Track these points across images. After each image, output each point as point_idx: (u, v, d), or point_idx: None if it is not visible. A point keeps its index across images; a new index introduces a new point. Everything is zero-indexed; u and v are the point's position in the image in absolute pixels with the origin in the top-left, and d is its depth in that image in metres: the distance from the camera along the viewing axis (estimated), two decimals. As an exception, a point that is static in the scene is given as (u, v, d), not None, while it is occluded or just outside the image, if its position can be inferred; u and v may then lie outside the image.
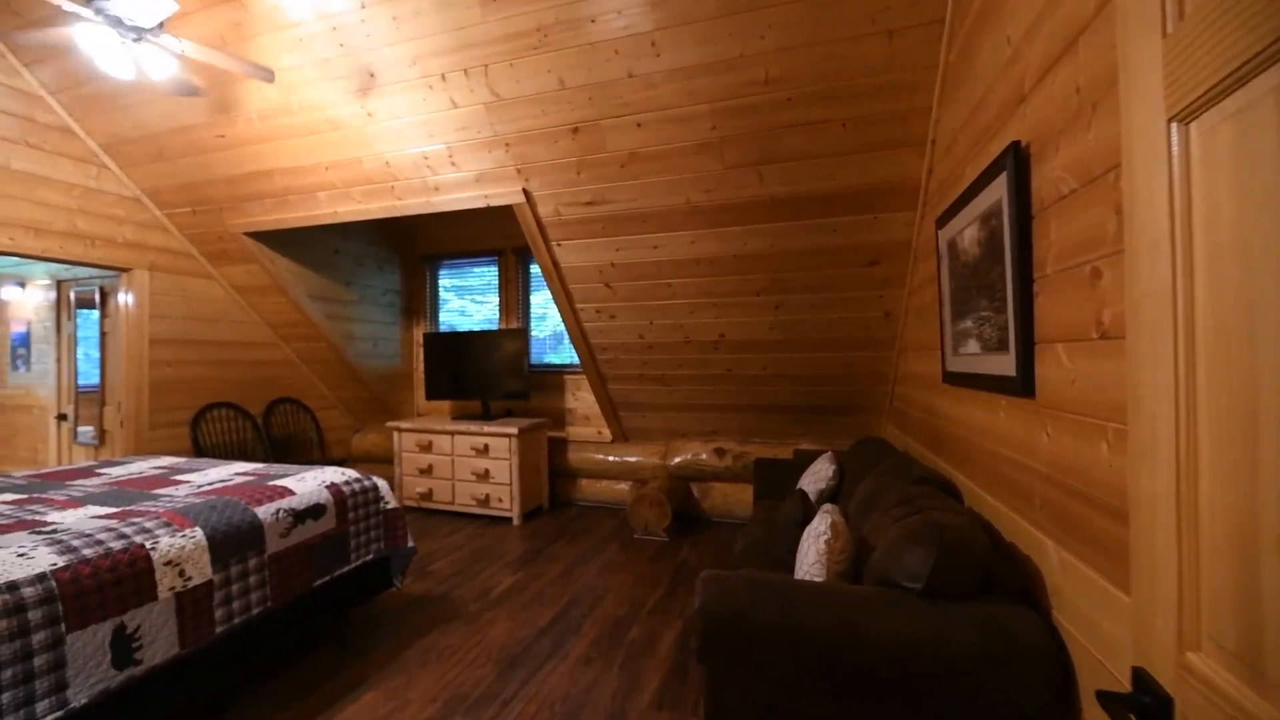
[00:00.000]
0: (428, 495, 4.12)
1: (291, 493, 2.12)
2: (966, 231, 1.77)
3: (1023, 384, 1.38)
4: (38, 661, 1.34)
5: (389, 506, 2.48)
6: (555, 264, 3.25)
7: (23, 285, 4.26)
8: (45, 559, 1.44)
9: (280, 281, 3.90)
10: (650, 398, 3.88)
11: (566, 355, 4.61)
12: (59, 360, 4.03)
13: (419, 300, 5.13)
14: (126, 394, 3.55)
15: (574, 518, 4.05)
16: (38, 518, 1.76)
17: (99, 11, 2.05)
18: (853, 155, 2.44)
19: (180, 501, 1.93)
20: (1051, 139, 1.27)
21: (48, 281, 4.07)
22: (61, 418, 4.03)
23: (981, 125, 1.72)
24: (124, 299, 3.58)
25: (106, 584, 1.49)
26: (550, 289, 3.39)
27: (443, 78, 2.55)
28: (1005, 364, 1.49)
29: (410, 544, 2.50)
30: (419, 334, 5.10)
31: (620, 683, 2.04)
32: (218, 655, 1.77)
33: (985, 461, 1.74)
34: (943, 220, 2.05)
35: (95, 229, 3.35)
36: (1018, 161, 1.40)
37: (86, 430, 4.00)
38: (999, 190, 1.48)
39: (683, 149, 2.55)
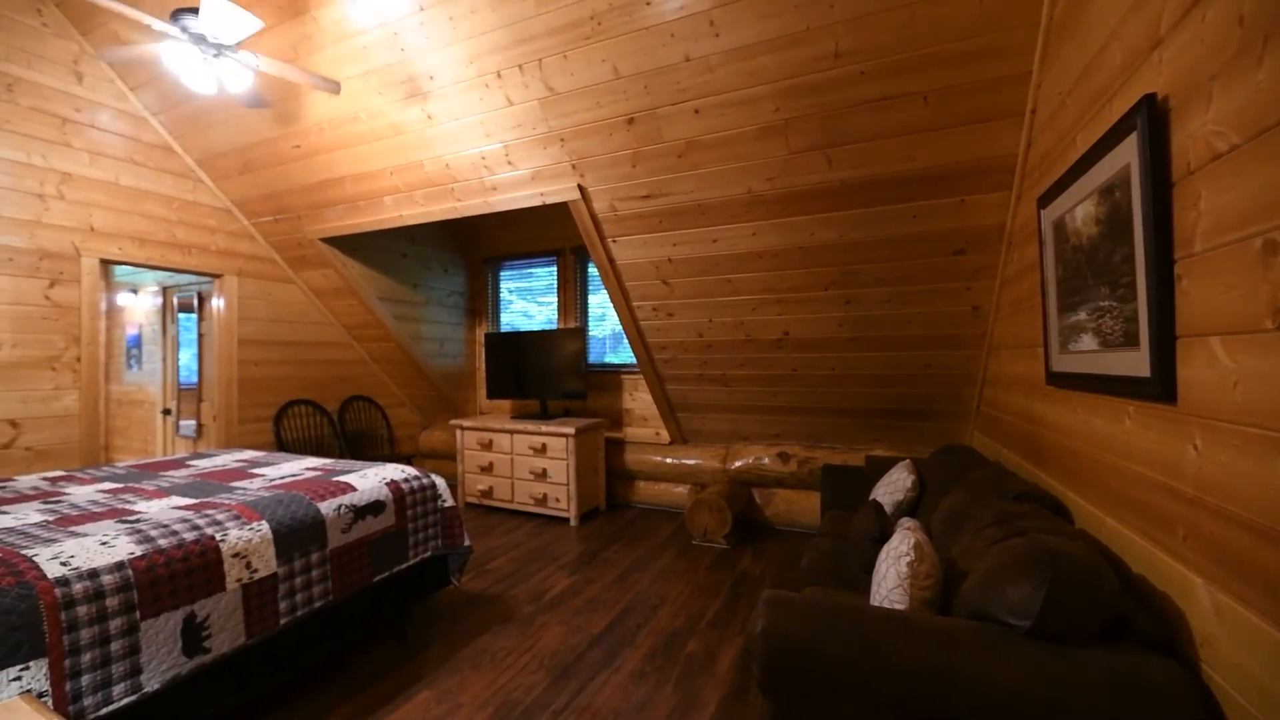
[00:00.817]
0: (488, 493, 4.18)
1: (353, 489, 2.16)
2: (1079, 209, 1.52)
3: (1160, 386, 1.14)
4: (114, 647, 1.40)
5: (446, 505, 2.49)
6: (611, 261, 3.18)
7: (135, 291, 4.72)
8: (124, 548, 1.50)
9: (353, 284, 4.08)
10: (710, 399, 3.74)
11: (625, 355, 4.54)
12: (164, 360, 4.41)
13: (481, 301, 5.24)
14: (218, 391, 3.82)
15: (631, 520, 3.97)
16: (127, 506, 1.88)
17: (184, 30, 2.17)
18: (936, 132, 2.19)
19: (252, 495, 2.00)
20: (1200, 87, 1.04)
21: (155, 288, 4.47)
22: (166, 412, 4.42)
23: (1099, 84, 1.47)
24: (216, 303, 3.85)
25: (179, 573, 1.55)
26: (606, 287, 3.32)
27: (498, 75, 2.53)
28: (1134, 362, 1.25)
29: (466, 543, 2.50)
30: (481, 334, 5.21)
31: (676, 701, 1.92)
32: (281, 646, 1.81)
33: (1104, 478, 1.48)
34: (1047, 199, 1.79)
35: (191, 238, 3.62)
36: (1152, 118, 1.16)
37: (188, 424, 4.36)
38: (1125, 156, 1.25)
39: (743, 135, 2.40)
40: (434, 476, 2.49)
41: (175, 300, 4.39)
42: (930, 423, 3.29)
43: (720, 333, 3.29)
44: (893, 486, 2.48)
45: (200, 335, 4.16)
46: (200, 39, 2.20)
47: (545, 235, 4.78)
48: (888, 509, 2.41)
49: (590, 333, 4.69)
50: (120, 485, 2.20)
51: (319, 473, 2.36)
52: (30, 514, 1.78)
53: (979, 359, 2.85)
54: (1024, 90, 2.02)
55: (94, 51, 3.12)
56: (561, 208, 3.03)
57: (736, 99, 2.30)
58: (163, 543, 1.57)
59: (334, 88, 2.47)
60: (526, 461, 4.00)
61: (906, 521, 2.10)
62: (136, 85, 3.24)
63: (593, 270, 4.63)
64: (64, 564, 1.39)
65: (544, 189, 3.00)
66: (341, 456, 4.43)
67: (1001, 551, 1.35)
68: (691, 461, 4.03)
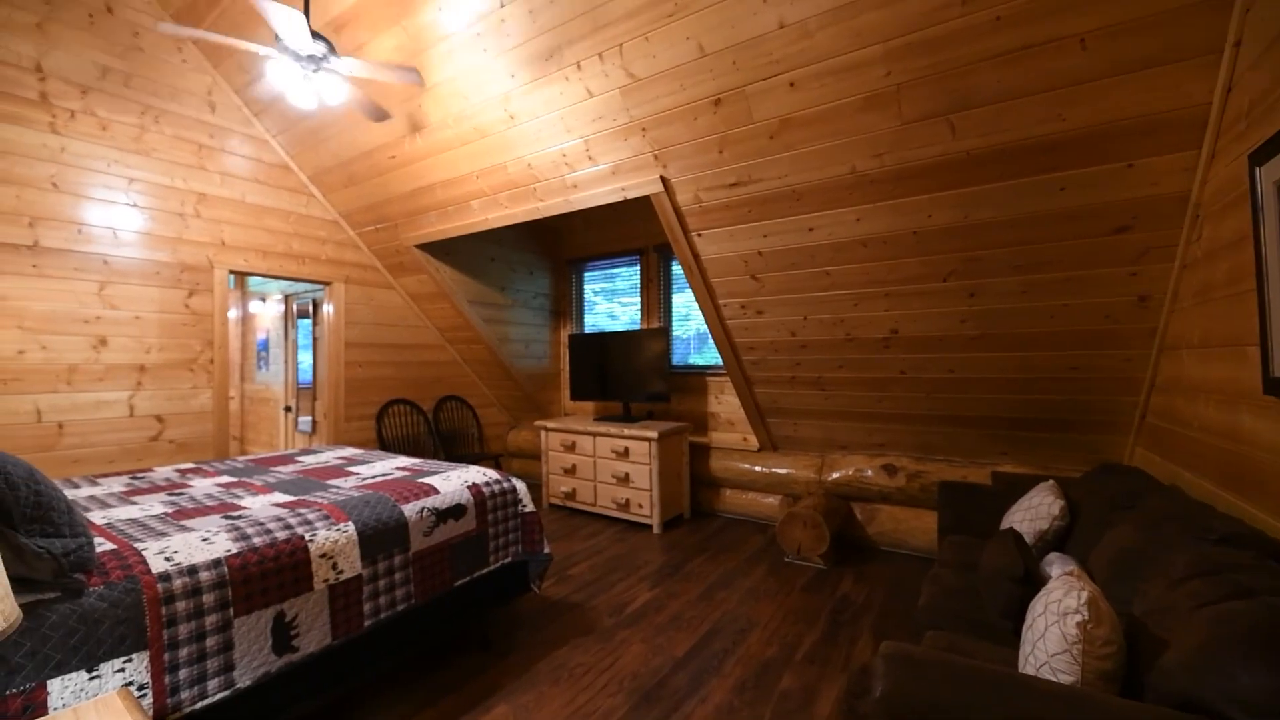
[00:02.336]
0: (571, 495, 4.14)
1: (436, 491, 2.15)
2: (1333, 157, 1.12)
3: None
4: (209, 642, 1.44)
5: (526, 510, 2.43)
6: (696, 256, 3.00)
7: (263, 300, 5.22)
8: (222, 545, 1.55)
9: (445, 289, 4.21)
10: (803, 403, 3.44)
11: (710, 356, 4.33)
12: (285, 361, 4.83)
13: (565, 303, 5.26)
14: (328, 390, 4.10)
15: (716, 531, 3.76)
16: (234, 502, 1.98)
17: (283, 50, 2.28)
18: (1094, 84, 1.79)
19: (343, 494, 2.04)
20: None
21: (279, 296, 4.92)
22: (287, 409, 4.84)
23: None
24: (327, 309, 4.14)
25: (269, 572, 1.58)
26: (691, 285, 3.14)
27: (578, 66, 2.44)
28: None
29: (546, 550, 2.43)
30: (565, 336, 5.22)
31: (769, 747, 1.70)
32: (366, 648, 1.81)
33: (1379, 525, 1.08)
34: (1266, 153, 1.37)
35: (305, 249, 3.91)
36: None
37: (305, 420, 4.74)
38: None
39: (847, 106, 2.12)
40: (514, 480, 2.44)
41: (294, 307, 4.79)
42: (1074, 435, 2.78)
43: (816, 331, 3.00)
44: (1034, 512, 2.09)
45: (315, 339, 4.50)
46: (297, 55, 2.30)
47: (627, 234, 4.69)
48: (1028, 539, 2.02)
49: (674, 333, 4.53)
50: (235, 480, 2.35)
51: (406, 473, 2.39)
52: (155, 506, 1.92)
53: (1145, 360, 2.35)
54: (1223, 19, 1.58)
55: (226, 83, 3.44)
56: (644, 204, 2.89)
57: (839, 66, 2.03)
58: (257, 541, 1.61)
59: (415, 77, 2.49)
60: (609, 465, 3.91)
61: (1064, 562, 1.73)
62: (259, 111, 3.53)
63: (676, 269, 4.46)
64: (168, 559, 1.44)
65: (625, 183, 2.88)
66: (435, 454, 4.62)
67: (1220, 618, 1.01)
68: (783, 470, 3.74)
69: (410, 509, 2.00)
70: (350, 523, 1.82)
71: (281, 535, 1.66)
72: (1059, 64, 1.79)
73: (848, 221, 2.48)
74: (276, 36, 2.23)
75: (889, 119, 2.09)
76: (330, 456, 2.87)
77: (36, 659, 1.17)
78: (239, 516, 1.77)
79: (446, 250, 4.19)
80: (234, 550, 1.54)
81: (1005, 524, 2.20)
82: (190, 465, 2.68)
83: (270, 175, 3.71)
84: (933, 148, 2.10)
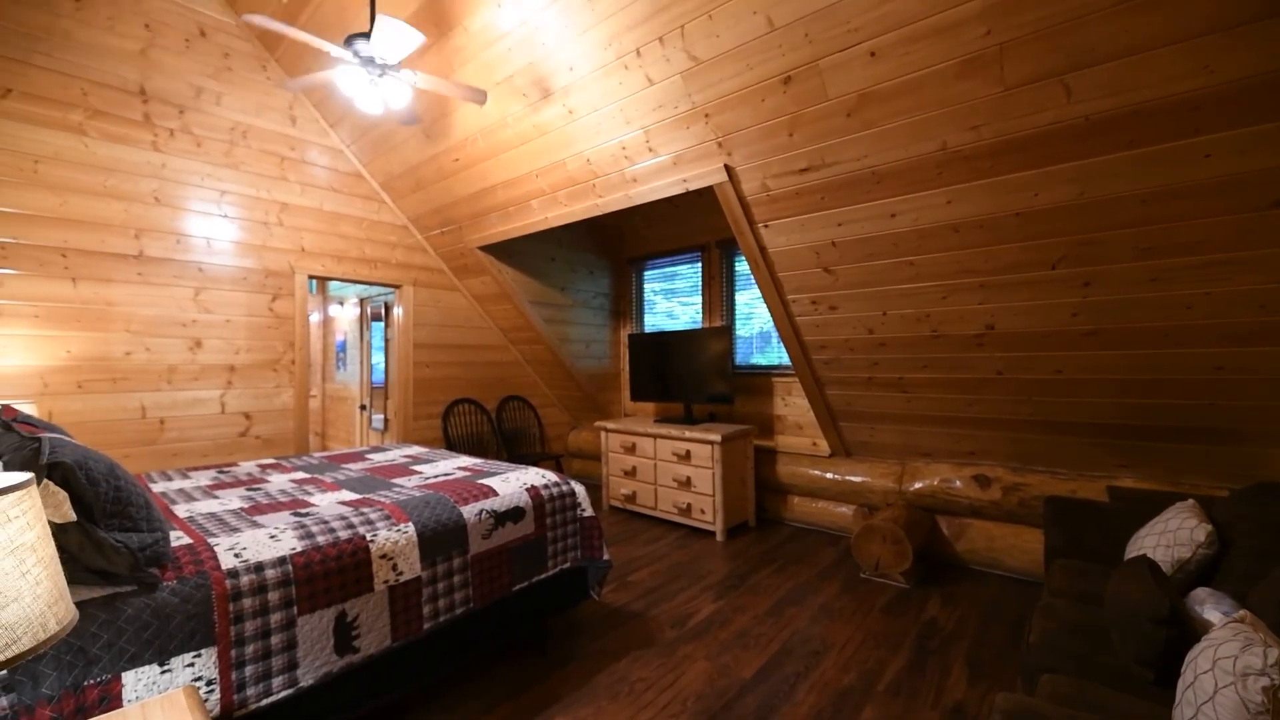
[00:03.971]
0: (631, 498, 4.06)
1: (495, 493, 2.11)
2: None
3: None
4: (274, 640, 1.44)
5: (585, 514, 2.36)
6: (762, 250, 2.83)
7: (341, 304, 5.51)
8: (288, 543, 1.56)
9: (507, 290, 4.25)
10: (881, 405, 3.17)
11: (775, 355, 4.12)
12: (360, 362, 5.06)
13: (625, 302, 5.19)
14: (398, 390, 4.24)
15: (784, 540, 3.55)
16: (304, 498, 2.02)
17: (356, 54, 2.33)
18: (1254, 25, 1.49)
19: (405, 494, 2.04)
20: None
21: (355, 300, 5.16)
22: (362, 408, 5.06)
23: None
24: (397, 311, 4.28)
25: (332, 571, 1.57)
26: (757, 280, 2.97)
27: (637, 53, 2.34)
28: None
29: (605, 557, 2.34)
30: (625, 335, 5.16)
31: (852, 792, 1.52)
32: (425, 651, 1.79)
33: None
34: None
35: (377, 254, 4.05)
36: None
37: (379, 418, 4.94)
38: None
39: (937, 74, 1.90)
40: (573, 484, 2.37)
41: (369, 310, 5.01)
42: (1215, 447, 2.37)
43: (897, 328, 2.74)
44: (1171, 537, 1.77)
45: (386, 340, 4.68)
46: (369, 61, 2.34)
47: (689, 230, 4.56)
48: (1164, 569, 1.72)
49: (736, 332, 4.34)
50: (308, 476, 2.42)
51: (467, 473, 2.38)
52: (233, 500, 2.00)
53: (1316, 358, 1.95)
54: None
55: (305, 97, 3.62)
56: (706, 198, 2.76)
57: (928, 29, 1.81)
58: (321, 540, 1.61)
59: (480, 97, 2.49)
60: (670, 468, 3.79)
61: (1218, 600, 1.44)
62: (334, 122, 3.69)
63: (740, 265, 4.28)
64: (236, 555, 1.47)
65: (687, 174, 2.75)
66: (498, 454, 4.68)
67: None
68: (857, 478, 3.48)
69: (469, 511, 1.97)
70: (410, 523, 1.81)
71: (344, 534, 1.66)
72: (1204, 4, 1.49)
73: (936, 204, 2.23)
74: (347, 39, 2.28)
75: (989, 85, 1.85)
76: (397, 455, 2.93)
77: (112, 651, 1.20)
78: (306, 514, 1.79)
79: (509, 252, 4.22)
80: (299, 548, 1.55)
81: (1133, 549, 1.89)
82: (271, 460, 2.81)
83: (344, 183, 3.87)
84: (1042, 114, 1.83)
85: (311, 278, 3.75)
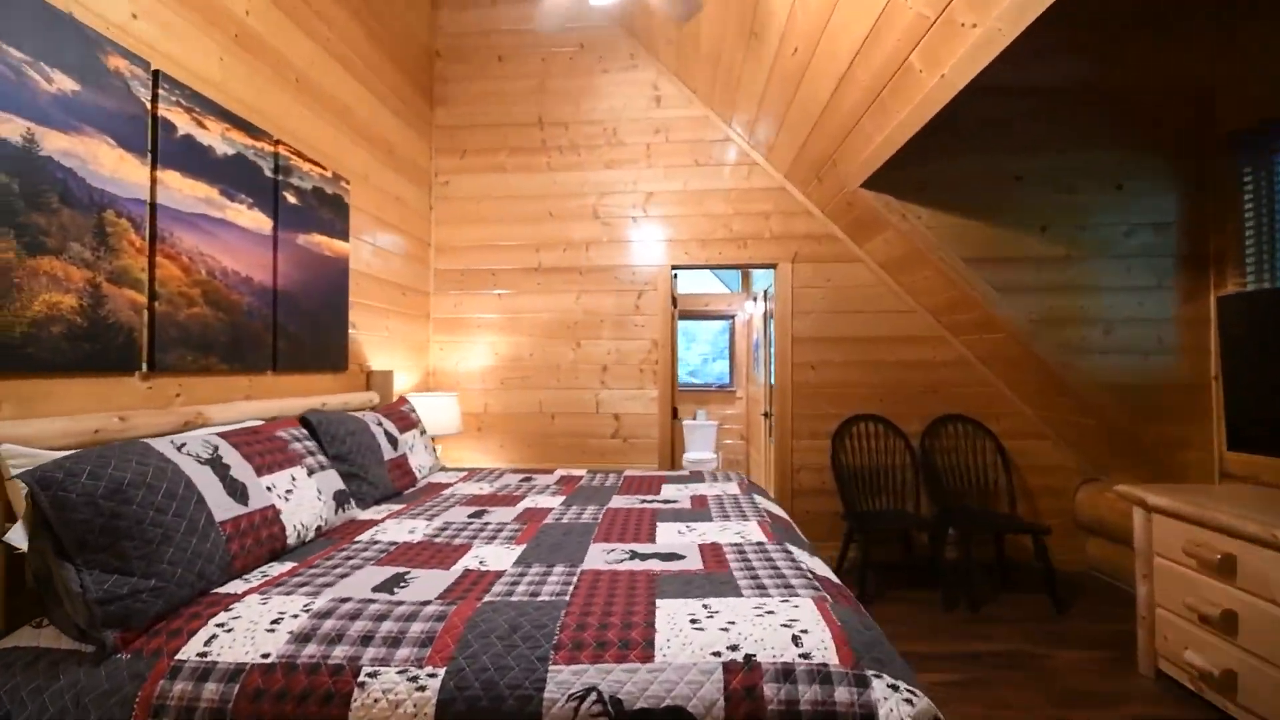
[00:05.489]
0: (1225, 681, 1.69)
1: (651, 660, 0.95)
2: None
3: None
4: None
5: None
6: None
7: (755, 299, 5.03)
8: (268, 642, 0.99)
9: (921, 244, 2.65)
10: None
11: None
12: (763, 362, 4.41)
13: (1225, 236, 2.46)
14: (776, 398, 3.33)
15: None
16: (448, 542, 1.46)
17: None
18: None
19: (459, 627, 1.18)
20: None
21: (760, 292, 4.57)
22: (765, 415, 4.40)
23: None
24: (768, 300, 3.38)
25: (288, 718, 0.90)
26: None
27: None
28: None
29: None
30: (1213, 303, 2.44)
31: None
32: None
33: None
34: None
35: (746, 228, 3.29)
36: None
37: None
38: None
39: None
40: (877, 693, 0.88)
41: (768, 304, 4.31)
42: None
43: None
44: None
45: (765, 337, 3.85)
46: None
47: None
48: None
49: None
50: (521, 510, 1.90)
51: (706, 563, 1.28)
52: (423, 527, 1.65)
53: None
54: None
55: (666, 67, 3.28)
56: None
57: None
58: (305, 653, 0.97)
59: None
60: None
61: None
62: (697, 87, 3.20)
63: None
64: (207, 644, 0.99)
65: None
66: (916, 499, 3.03)
67: None
68: None
69: (551, 692, 0.91)
70: (442, 671, 0.93)
71: (323, 660, 0.96)
72: None
73: None
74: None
75: None
76: (681, 495, 2.07)
77: (-10, 744, 0.90)
78: (331, 590, 1.20)
79: (922, 181, 2.62)
80: (272, 657, 0.96)
81: None
82: (557, 475, 2.50)
83: (709, 153, 3.30)
84: None
85: (675, 269, 3.36)
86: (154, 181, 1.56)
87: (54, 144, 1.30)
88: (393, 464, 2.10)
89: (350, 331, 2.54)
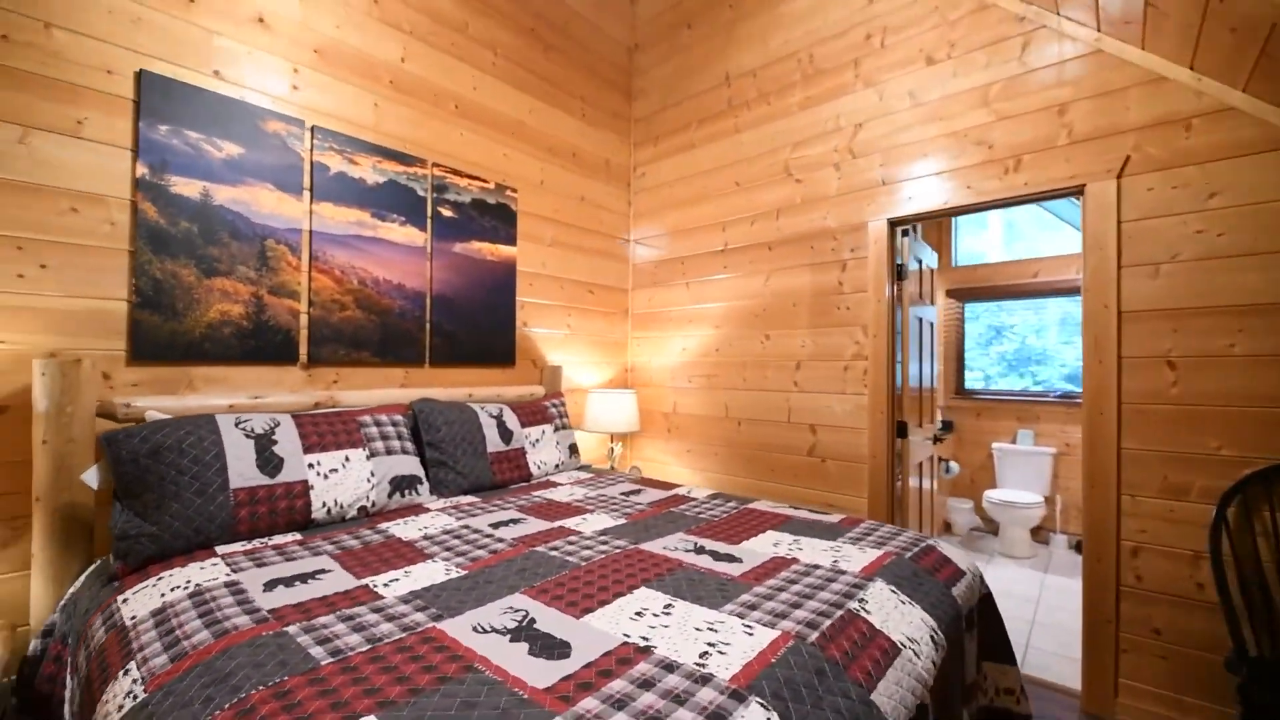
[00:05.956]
0: None
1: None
2: None
3: None
4: None
5: None
6: None
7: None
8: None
9: None
10: None
11: None
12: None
13: None
14: (1085, 419, 1.91)
15: None
16: (427, 628, 1.31)
17: None
18: None
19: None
20: None
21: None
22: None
23: None
24: (1072, 242, 1.95)
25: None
26: None
27: None
28: None
29: None
30: None
31: None
32: None
33: None
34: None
35: (1016, 137, 2.01)
36: None
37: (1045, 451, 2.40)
38: None
39: None
40: None
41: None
42: None
43: None
44: None
45: (1086, 310, 2.23)
46: None
47: None
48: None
49: None
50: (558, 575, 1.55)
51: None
52: (456, 560, 1.56)
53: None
54: None
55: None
56: None
57: None
58: None
59: None
60: None
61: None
62: None
63: None
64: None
65: None
66: None
67: None
68: None
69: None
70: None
71: None
72: None
73: None
74: None
75: None
76: (764, 550, 1.36)
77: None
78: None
79: None
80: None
81: None
82: (704, 494, 1.99)
83: (953, 34, 2.18)
84: None
85: (896, 223, 2.34)
86: (310, 214, 1.99)
87: (224, 195, 1.79)
88: (498, 456, 2.12)
89: (521, 329, 2.73)
